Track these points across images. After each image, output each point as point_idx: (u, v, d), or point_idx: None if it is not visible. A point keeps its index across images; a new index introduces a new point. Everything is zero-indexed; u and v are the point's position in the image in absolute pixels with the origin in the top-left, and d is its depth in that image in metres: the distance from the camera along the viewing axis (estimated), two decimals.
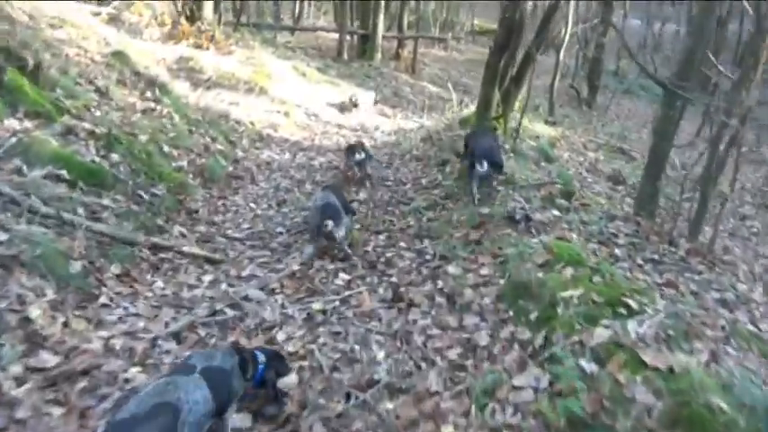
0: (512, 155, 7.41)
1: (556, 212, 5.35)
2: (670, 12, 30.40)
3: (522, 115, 8.13)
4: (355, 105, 10.86)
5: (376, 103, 12.97)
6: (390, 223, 5.83)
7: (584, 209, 5.71)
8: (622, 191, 7.89)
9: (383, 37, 18.07)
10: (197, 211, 5.62)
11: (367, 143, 9.02)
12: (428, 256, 4.86)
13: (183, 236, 5.04)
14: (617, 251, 4.94)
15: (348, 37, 18.80)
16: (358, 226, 5.69)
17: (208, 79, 10.08)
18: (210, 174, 6.40)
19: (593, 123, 15.71)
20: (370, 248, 5.16)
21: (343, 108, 11.40)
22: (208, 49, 11.47)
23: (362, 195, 6.68)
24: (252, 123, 8.95)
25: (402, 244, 5.24)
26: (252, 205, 6.15)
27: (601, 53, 17.21)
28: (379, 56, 17.23)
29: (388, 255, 5.03)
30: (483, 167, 5.58)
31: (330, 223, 4.84)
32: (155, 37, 11.29)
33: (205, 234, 5.25)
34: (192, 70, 10.18)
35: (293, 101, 10.63)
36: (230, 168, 6.89)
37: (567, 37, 12.59)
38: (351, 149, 7.18)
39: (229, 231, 5.42)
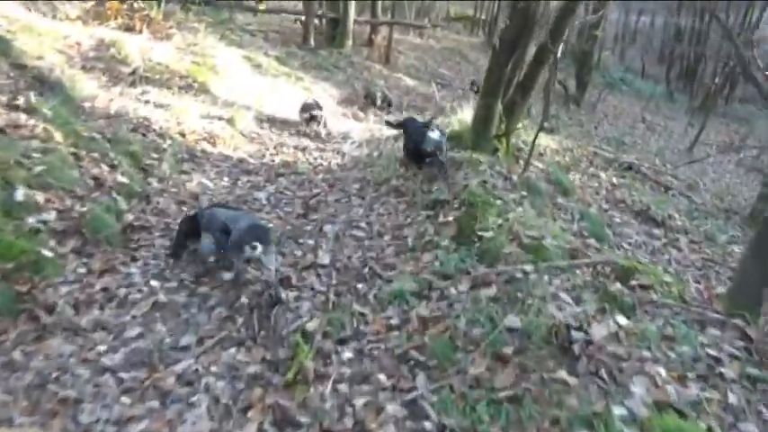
0: (524, 194, 5.29)
1: (622, 320, 3.28)
2: (647, 4, 28.55)
3: (537, 136, 5.99)
4: (318, 109, 8.57)
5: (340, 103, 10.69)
6: (362, 319, 3.69)
7: (651, 303, 3.65)
8: (665, 239, 5.86)
9: (355, 22, 15.69)
10: (52, 310, 3.38)
11: (332, 160, 6.87)
12: (428, 425, 2.73)
13: None
14: (730, 396, 2.92)
15: (317, 21, 16.38)
16: (312, 323, 3.55)
17: (132, 72, 7.69)
18: (94, 230, 4.12)
19: (584, 125, 13.72)
20: (327, 388, 3.01)
21: (305, 109, 9.12)
22: (140, 32, 9.07)
23: (321, 257, 4.50)
24: (182, 135, 6.62)
25: (381, 378, 3.09)
26: (154, 284, 3.91)
27: (592, 46, 15.18)
28: (350, 43, 14.86)
29: (360, 404, 2.90)
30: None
31: (259, 246, 3.68)
32: (73, 15, 8.84)
33: (51, 365, 3.02)
34: (113, 60, 7.79)
35: (242, 102, 8.29)
36: (130, 216, 4.60)
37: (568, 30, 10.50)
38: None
39: (101, 349, 3.20)
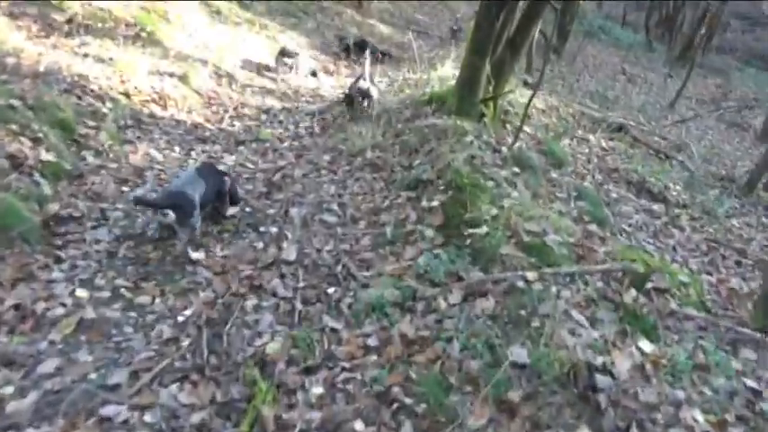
0: (516, 170, 4.62)
1: (646, 346, 2.70)
2: None
3: (530, 102, 5.26)
4: (291, 59, 7.65)
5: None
6: (334, 337, 3.04)
7: (672, 315, 3.08)
8: (665, 217, 5.29)
9: None
10: None
11: (301, 123, 6.09)
12: None
13: None
14: None
15: None
16: (273, 345, 2.90)
17: (69, 20, 6.64)
18: (5, 226, 3.33)
19: (566, 78, 12.98)
20: None
21: (270, 67, 8.16)
22: None
23: (286, 250, 3.80)
24: (126, 96, 5.72)
25: (358, 427, 2.47)
26: (81, 294, 3.18)
27: None
28: None
29: None
30: None
31: (170, 214, 3.59)
32: None
33: None
34: (47, 5, 6.70)
35: (198, 55, 7.31)
36: (56, 205, 3.79)
37: None
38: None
39: (5, 392, 2.50)
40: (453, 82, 7.18)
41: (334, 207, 4.47)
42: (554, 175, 5.20)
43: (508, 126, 6.12)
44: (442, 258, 3.41)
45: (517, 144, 5.29)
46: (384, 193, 4.57)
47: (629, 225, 4.86)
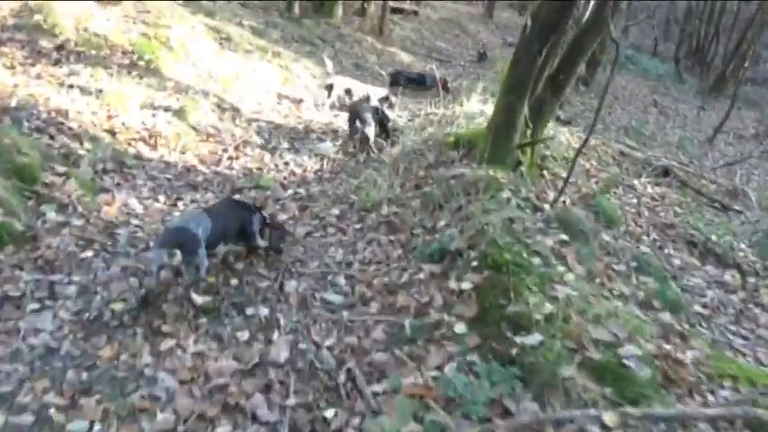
0: (565, 238, 3.71)
1: None
2: None
3: (580, 153, 4.38)
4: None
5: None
6: None
7: None
8: (742, 291, 4.31)
9: None
10: None
11: (308, 165, 5.29)
12: None
13: None
14: None
15: None
16: None
17: (59, 47, 5.95)
18: None
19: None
20: None
21: (284, 97, 7.40)
22: None
23: (276, 346, 2.92)
24: (111, 134, 4.95)
25: None
26: None
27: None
28: (340, 12, 12.99)
29: None
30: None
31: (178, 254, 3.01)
32: None
33: None
34: (38, 30, 6.02)
35: (200, 85, 6.54)
36: None
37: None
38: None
39: None
40: (482, 119, 6.34)
41: (341, 281, 3.58)
42: (606, 238, 4.27)
43: (546, 173, 5.23)
44: (480, 374, 2.50)
45: (561, 199, 4.39)
46: (402, 264, 3.68)
47: (704, 306, 3.90)
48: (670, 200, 6.25)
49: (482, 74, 12.78)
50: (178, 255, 3.02)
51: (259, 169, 5.34)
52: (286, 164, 5.58)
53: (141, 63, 6.27)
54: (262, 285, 3.51)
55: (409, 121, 7.47)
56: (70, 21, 6.36)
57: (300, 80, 8.42)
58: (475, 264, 3.27)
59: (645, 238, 4.76)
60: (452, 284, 3.21)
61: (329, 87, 7.54)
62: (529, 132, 4.79)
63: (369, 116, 6.04)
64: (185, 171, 4.99)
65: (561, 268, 3.30)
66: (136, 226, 3.99)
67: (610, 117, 11.85)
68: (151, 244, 3.63)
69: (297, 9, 12.13)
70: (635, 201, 5.81)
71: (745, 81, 20.90)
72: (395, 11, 16.20)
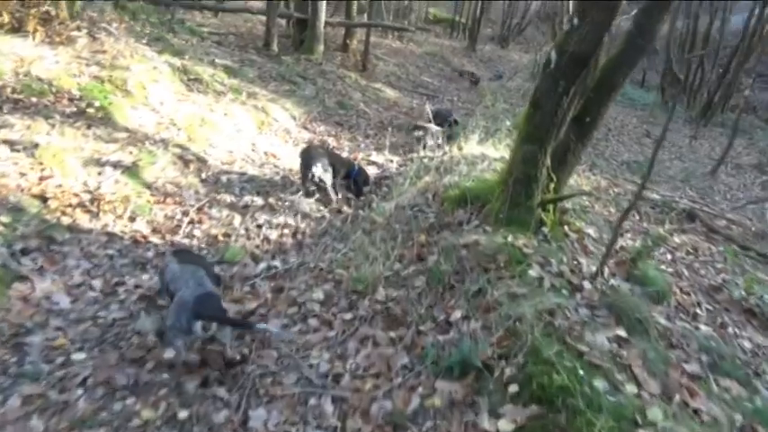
0: (621, 333, 2.75)
1: None
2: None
3: (625, 217, 3.47)
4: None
5: (307, 125, 8.01)
6: None
7: None
8: None
9: (327, 24, 13.01)
10: None
11: (286, 229, 4.32)
12: None
13: None
14: None
15: (283, 23, 13.74)
16: None
17: None
18: None
19: (596, 146, 11.27)
20: None
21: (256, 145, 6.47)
22: (34, 33, 6.26)
23: None
24: (42, 200, 3.94)
25: None
26: None
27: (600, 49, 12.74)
28: (321, 48, 12.17)
29: None
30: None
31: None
32: None
33: None
34: None
35: (160, 134, 5.57)
36: None
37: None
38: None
39: None
40: (484, 165, 5.45)
41: (327, 407, 2.58)
42: (662, 321, 3.31)
43: (570, 232, 4.29)
44: None
45: (603, 271, 3.45)
46: (409, 379, 2.69)
47: None
48: (703, 252, 5.35)
49: (472, 108, 12.02)
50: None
51: (226, 236, 4.35)
52: (259, 227, 4.60)
53: (90, 111, 5.30)
54: (218, 419, 2.50)
55: (401, 167, 6.56)
56: (10, 63, 5.42)
57: (278, 123, 7.50)
58: (514, 389, 2.29)
59: (698, 312, 3.82)
60: (485, 423, 2.22)
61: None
62: (552, 186, 3.87)
63: (324, 161, 5.15)
64: (133, 244, 3.98)
65: (631, 386, 2.34)
66: (56, 329, 2.98)
67: (608, 151, 11.08)
68: None
69: (275, 46, 11.31)
70: (669, 257, 4.89)
71: (731, 108, 20.50)
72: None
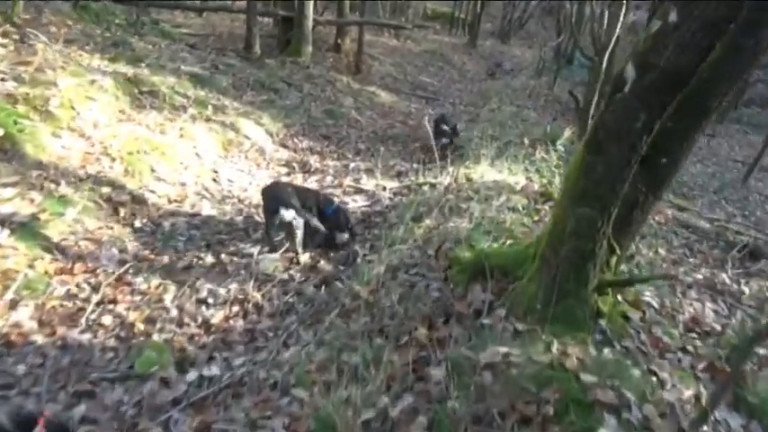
0: None
1: None
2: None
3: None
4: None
5: (287, 142, 6.70)
6: None
7: None
8: None
9: (317, 23, 11.66)
10: None
11: (235, 307, 2.98)
12: None
13: None
14: None
15: (272, 21, 12.38)
16: None
17: None
18: None
19: None
20: None
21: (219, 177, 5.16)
22: None
23: None
24: None
25: None
26: None
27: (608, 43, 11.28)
28: (309, 49, 10.81)
29: None
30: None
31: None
32: None
33: None
34: None
35: (89, 168, 4.26)
36: None
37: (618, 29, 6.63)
38: None
39: None
40: (503, 201, 4.14)
41: None
42: None
43: (627, 309, 2.96)
44: None
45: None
46: None
47: None
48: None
49: (476, 112, 10.68)
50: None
51: (149, 323, 3.04)
52: (200, 303, 3.30)
53: None
54: None
55: (395, 196, 5.23)
56: None
57: (250, 141, 6.19)
58: None
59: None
60: None
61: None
62: (611, 262, 2.55)
63: (295, 202, 3.85)
64: (5, 346, 2.68)
65: None
66: None
67: None
68: None
69: (258, 48, 9.95)
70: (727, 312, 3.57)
71: (744, 103, 19.09)
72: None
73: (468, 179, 4.55)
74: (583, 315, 2.46)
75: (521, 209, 4.04)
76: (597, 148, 2.20)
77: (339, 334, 2.85)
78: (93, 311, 3.03)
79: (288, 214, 3.82)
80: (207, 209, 4.54)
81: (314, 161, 6.35)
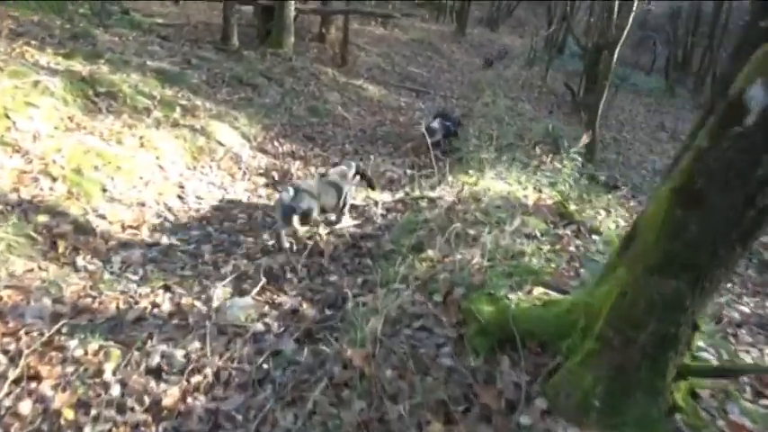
0: None
1: None
2: None
3: None
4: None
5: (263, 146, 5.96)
6: None
7: None
8: None
9: (300, 12, 10.81)
10: None
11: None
12: None
13: None
14: None
15: (251, 8, 11.49)
16: None
17: None
18: None
19: (614, 145, 9.34)
20: None
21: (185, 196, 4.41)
22: None
23: None
24: None
25: None
26: None
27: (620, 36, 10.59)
28: (291, 40, 9.97)
29: None
30: None
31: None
32: None
33: None
34: None
35: (13, 194, 3.49)
36: None
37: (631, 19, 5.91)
38: None
39: None
40: (517, 226, 3.46)
41: None
42: None
43: (700, 404, 2.29)
44: None
45: None
46: None
47: None
48: None
49: (469, 106, 9.97)
50: None
51: (80, 409, 2.32)
52: (150, 374, 2.57)
53: None
54: None
55: (387, 212, 4.52)
56: None
57: (224, 147, 5.43)
58: None
59: None
60: None
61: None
62: (695, 338, 1.88)
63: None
64: None
65: None
66: None
67: (632, 154, 9.10)
68: None
69: (236, 40, 9.11)
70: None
71: None
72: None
73: (476, 199, 3.85)
74: (658, 413, 1.79)
75: (539, 235, 3.37)
76: (694, 201, 1.51)
77: (328, 423, 2.16)
78: (7, 394, 2.30)
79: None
80: (169, 235, 3.79)
81: (296, 169, 5.61)
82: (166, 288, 3.21)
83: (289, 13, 9.76)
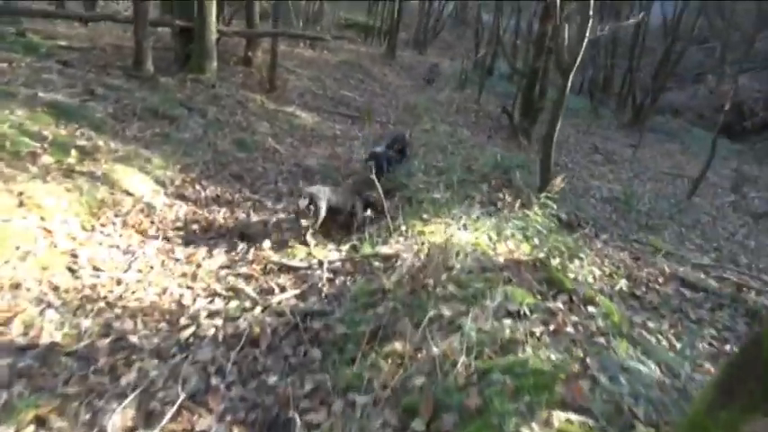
0: None
1: None
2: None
3: None
4: None
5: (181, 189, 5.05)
6: None
7: None
8: None
9: (223, 34, 9.88)
10: None
11: None
12: None
13: None
14: None
15: (168, 30, 10.44)
16: None
17: None
18: None
19: (560, 171, 8.99)
20: None
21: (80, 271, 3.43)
22: None
23: None
24: None
25: None
26: None
27: (547, 62, 10.41)
28: (214, 65, 9.04)
29: None
30: None
31: None
32: None
33: None
34: None
35: None
36: None
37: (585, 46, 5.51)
38: None
39: None
40: (503, 316, 2.82)
41: None
42: None
43: None
44: None
45: None
46: None
47: None
48: None
49: (410, 132, 9.39)
50: None
51: None
52: None
53: None
54: None
55: (334, 276, 3.74)
56: None
57: (133, 198, 4.48)
58: None
59: None
60: None
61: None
62: None
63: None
64: None
65: None
66: None
67: (578, 181, 8.82)
68: None
69: (150, 65, 8.06)
70: None
71: (656, 111, 19.19)
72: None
73: (446, 266, 3.16)
74: None
75: (528, 313, 2.72)
76: None
77: None
78: None
79: None
80: (51, 331, 2.85)
81: (221, 217, 4.74)
82: (39, 421, 2.28)
83: (210, 35, 8.84)
